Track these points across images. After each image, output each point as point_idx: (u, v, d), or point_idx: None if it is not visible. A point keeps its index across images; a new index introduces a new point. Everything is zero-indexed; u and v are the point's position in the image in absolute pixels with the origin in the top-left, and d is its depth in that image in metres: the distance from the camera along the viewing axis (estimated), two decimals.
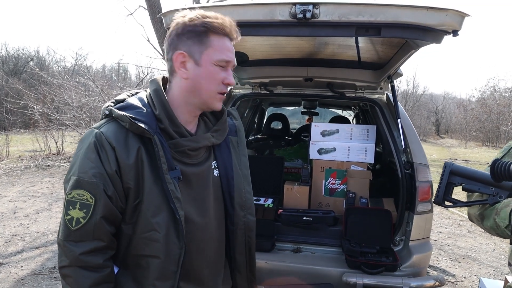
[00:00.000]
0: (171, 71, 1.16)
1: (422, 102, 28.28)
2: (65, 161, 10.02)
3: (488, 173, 1.27)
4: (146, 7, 7.40)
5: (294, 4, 1.78)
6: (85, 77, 10.54)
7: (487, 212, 1.40)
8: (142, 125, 1.06)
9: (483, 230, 1.44)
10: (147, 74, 11.03)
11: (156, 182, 1.08)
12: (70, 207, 1.04)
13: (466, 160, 13.37)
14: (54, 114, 10.67)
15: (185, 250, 1.11)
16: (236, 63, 1.18)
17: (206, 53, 1.11)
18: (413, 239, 2.58)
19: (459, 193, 1.35)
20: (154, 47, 11.02)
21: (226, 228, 1.31)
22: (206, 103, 1.16)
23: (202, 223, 1.19)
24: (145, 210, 1.08)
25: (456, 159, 13.60)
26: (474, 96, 24.87)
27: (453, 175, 1.32)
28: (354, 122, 5.21)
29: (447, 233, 5.53)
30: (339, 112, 5.88)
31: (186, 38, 1.11)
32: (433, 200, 1.51)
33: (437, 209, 6.91)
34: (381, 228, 2.70)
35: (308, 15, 1.77)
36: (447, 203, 1.35)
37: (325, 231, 2.79)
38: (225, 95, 1.18)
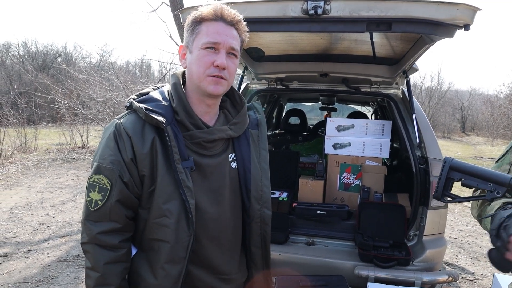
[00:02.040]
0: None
1: (447, 98, 27.53)
2: (89, 154, 10.34)
3: (487, 169, 1.29)
4: (169, 4, 7.53)
5: (306, 0, 1.82)
6: (110, 72, 10.82)
7: (483, 213, 1.41)
8: (156, 117, 1.11)
9: None
10: (169, 70, 11.20)
11: (168, 171, 1.13)
12: (91, 189, 1.13)
13: (492, 158, 12.99)
14: (80, 109, 11.00)
15: (195, 237, 1.16)
16: (232, 45, 1.16)
17: (196, 39, 1.16)
18: (427, 234, 2.58)
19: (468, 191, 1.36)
20: (176, 43, 11.21)
21: (243, 220, 1.35)
22: (199, 87, 1.18)
23: (215, 213, 1.23)
24: (157, 196, 1.13)
25: (481, 157, 13.24)
26: (502, 92, 23.97)
27: (453, 170, 1.33)
28: (373, 117, 5.18)
29: (468, 231, 5.44)
30: (358, 108, 5.86)
31: (185, 32, 1.20)
32: (432, 195, 1.52)
33: (458, 207, 6.78)
34: (395, 223, 2.71)
35: (319, 11, 1.81)
36: (446, 198, 1.37)
37: (339, 225, 2.82)
38: (222, 79, 1.17)
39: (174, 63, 10.66)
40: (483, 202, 1.45)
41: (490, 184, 1.25)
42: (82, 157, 9.98)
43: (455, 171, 1.33)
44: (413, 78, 25.65)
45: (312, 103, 6.32)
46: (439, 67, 37.23)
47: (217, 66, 1.15)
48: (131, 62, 26.72)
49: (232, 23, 1.18)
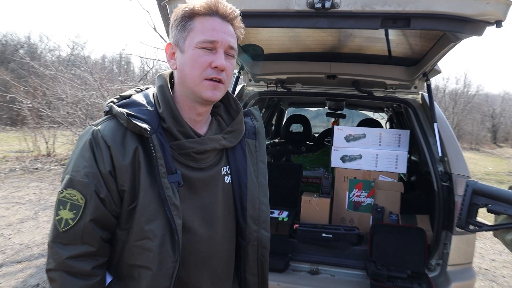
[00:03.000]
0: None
1: (475, 103, 27.73)
2: (56, 163, 10.29)
3: None
4: None
5: None
6: (82, 68, 10.80)
7: None
8: (140, 124, 1.13)
9: None
10: (153, 67, 11.24)
11: (152, 186, 1.14)
12: (61, 207, 1.13)
13: None
14: (46, 110, 10.92)
15: (181, 263, 1.17)
16: (230, 44, 1.20)
17: (188, 37, 1.18)
18: (452, 263, 2.58)
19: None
20: (161, 36, 11.26)
21: (237, 243, 1.37)
22: (194, 92, 1.20)
23: (206, 234, 1.24)
24: (139, 215, 1.14)
25: None
26: None
27: (477, 195, 1.35)
28: (387, 126, 5.23)
29: (502, 261, 5.40)
30: (370, 114, 5.92)
31: (174, 28, 1.21)
32: (455, 224, 1.54)
33: (489, 232, 6.77)
34: (414, 250, 2.73)
35: (328, 4, 1.84)
36: (471, 226, 1.38)
37: (348, 251, 2.84)
38: (220, 82, 1.20)
39: (159, 60, 10.73)
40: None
41: None
42: (46, 167, 9.93)
43: (480, 195, 1.34)
44: (435, 80, 25.84)
45: (317, 108, 6.37)
46: (465, 67, 37.53)
47: (216, 67, 1.17)
48: (108, 57, 26.80)
49: (228, 19, 1.20)
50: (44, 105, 11.15)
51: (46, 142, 11.24)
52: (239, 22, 1.24)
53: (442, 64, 2.57)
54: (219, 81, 1.20)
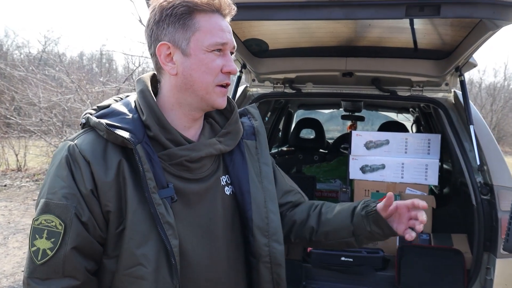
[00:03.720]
0: (158, 68, 1.26)
1: None
2: (28, 179, 10.32)
3: None
4: None
5: None
6: (57, 68, 10.83)
7: None
8: (122, 133, 1.14)
9: None
10: (139, 65, 11.29)
11: (141, 204, 1.15)
12: (37, 236, 1.12)
13: None
14: (15, 117, 10.97)
15: None
16: (234, 43, 1.25)
17: (193, 38, 1.19)
18: None
19: None
20: None
21: (246, 262, 1.37)
22: (205, 100, 1.23)
23: (206, 255, 1.25)
24: (128, 239, 1.14)
25: None
26: None
27: None
28: (413, 129, 5.23)
29: None
30: (393, 116, 5.92)
31: (167, 25, 1.20)
32: (502, 247, 1.54)
33: None
34: (450, 275, 2.72)
35: None
36: None
37: (371, 277, 2.84)
38: (227, 87, 1.25)
39: (146, 57, 10.75)
40: None
41: None
42: (17, 183, 9.96)
43: None
44: (469, 73, 25.86)
45: (331, 110, 6.39)
46: (505, 57, 37.55)
47: (229, 72, 1.22)
48: (86, 54, 26.96)
49: (228, 15, 1.25)
50: (13, 111, 11.18)
51: (16, 155, 11.27)
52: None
53: (477, 55, 2.57)
54: (227, 85, 1.25)
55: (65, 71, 10.41)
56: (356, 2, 1.89)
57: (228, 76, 1.23)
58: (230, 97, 2.95)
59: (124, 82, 10.82)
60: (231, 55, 1.26)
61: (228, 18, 1.26)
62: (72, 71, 10.70)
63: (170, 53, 1.22)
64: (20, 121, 10.87)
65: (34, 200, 8.40)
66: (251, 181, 1.35)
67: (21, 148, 11.28)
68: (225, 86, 1.25)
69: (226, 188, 1.33)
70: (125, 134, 1.14)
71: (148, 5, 1.29)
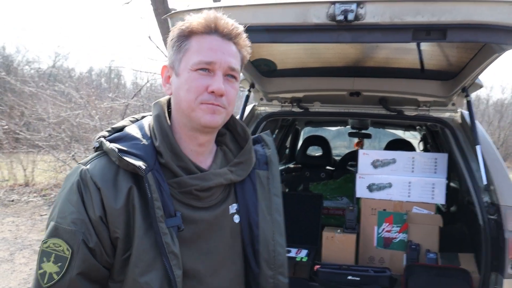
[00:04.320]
0: None
1: None
2: (35, 194, 10.32)
3: None
4: None
5: (333, 2, 1.91)
6: (66, 84, 10.92)
7: None
8: (133, 161, 1.14)
9: None
10: (148, 81, 11.37)
11: (148, 232, 1.16)
12: (44, 259, 1.14)
13: None
14: (24, 132, 10.98)
15: None
16: (231, 65, 1.21)
17: (184, 59, 1.21)
18: None
19: None
20: (157, 46, 11.45)
21: None
22: (191, 118, 1.21)
23: (212, 283, 1.26)
24: (133, 266, 1.15)
25: None
26: None
27: None
28: (420, 147, 5.24)
29: None
30: (400, 133, 5.94)
31: (170, 49, 1.25)
32: (510, 268, 1.55)
33: None
34: None
35: (351, 16, 1.89)
36: None
37: None
38: (219, 107, 1.21)
39: (154, 73, 10.84)
40: None
41: None
42: (24, 199, 9.97)
43: None
44: (479, 90, 25.79)
45: (338, 127, 6.41)
46: None
47: (213, 92, 1.18)
48: (95, 69, 27.16)
49: (230, 37, 1.22)
50: (22, 126, 11.19)
51: (24, 170, 11.26)
52: (243, 40, 1.26)
53: (484, 72, 2.60)
54: (218, 105, 1.21)
55: (75, 86, 10.51)
56: (364, 26, 1.92)
57: (213, 96, 1.18)
58: (238, 116, 3.01)
59: (132, 98, 10.89)
60: (232, 77, 1.24)
61: (233, 40, 1.23)
62: (81, 87, 10.76)
63: (170, 75, 1.26)
64: (29, 136, 10.86)
65: (41, 215, 8.43)
66: (260, 213, 1.35)
67: (29, 163, 11.26)
68: (212, 104, 1.20)
69: (235, 216, 1.34)
70: (137, 162, 1.15)
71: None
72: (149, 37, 9.23)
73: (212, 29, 1.20)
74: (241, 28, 1.25)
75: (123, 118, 9.53)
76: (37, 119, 10.95)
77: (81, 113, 10.12)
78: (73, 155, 9.80)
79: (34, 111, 10.82)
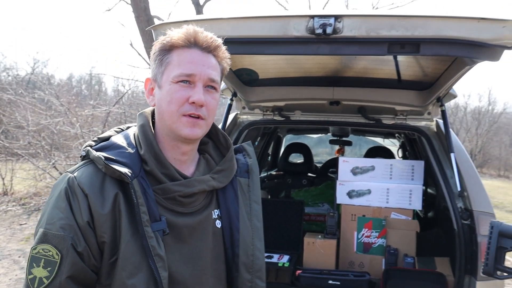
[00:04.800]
0: None
1: (503, 123, 28.09)
2: (14, 203, 10.18)
3: None
4: (129, 1, 7.81)
5: (312, 17, 2.00)
6: (46, 92, 10.85)
7: None
8: (119, 168, 1.20)
9: None
10: (130, 89, 11.35)
11: (134, 236, 1.21)
12: (34, 264, 1.18)
13: None
14: (2, 141, 10.89)
15: None
16: (211, 76, 1.28)
17: (166, 71, 1.28)
18: None
19: None
20: (139, 53, 11.49)
21: None
22: (172, 129, 1.28)
23: (195, 285, 1.31)
24: (120, 269, 1.20)
25: None
26: None
27: (504, 237, 1.45)
28: (399, 154, 5.37)
29: None
30: (380, 140, 6.06)
31: (153, 62, 1.32)
32: (481, 271, 1.64)
33: None
34: None
35: (329, 30, 1.98)
36: (499, 273, 1.48)
37: None
38: (199, 118, 1.27)
39: (136, 80, 10.83)
40: None
41: None
42: (3, 208, 9.84)
43: (507, 237, 1.44)
44: (454, 99, 26.18)
45: (320, 135, 6.52)
46: (489, 82, 38.32)
47: (193, 103, 1.24)
48: (75, 76, 26.91)
49: (209, 50, 1.29)
50: (1, 134, 11.08)
51: (3, 178, 11.10)
52: (223, 52, 1.33)
53: (462, 80, 2.71)
54: (198, 117, 1.27)
55: (55, 94, 10.43)
56: (341, 39, 2.01)
57: (194, 106, 1.25)
58: (221, 124, 3.07)
59: (114, 106, 10.86)
60: (212, 88, 1.30)
61: (213, 52, 1.30)
62: (62, 94, 10.70)
63: (153, 87, 1.33)
64: (7, 144, 10.78)
65: (20, 225, 8.34)
66: (240, 219, 1.41)
67: (8, 171, 11.11)
68: (193, 116, 1.26)
69: (217, 221, 1.39)
70: (122, 169, 1.20)
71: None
72: (131, 44, 9.19)
73: (192, 43, 1.27)
74: (219, 41, 1.32)
75: (104, 126, 9.48)
76: (16, 127, 10.87)
77: (62, 120, 10.07)
78: (53, 163, 9.72)
79: (12, 119, 10.73)
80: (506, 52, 2.06)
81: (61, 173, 9.95)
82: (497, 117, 27.19)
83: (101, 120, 10.35)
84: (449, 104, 24.45)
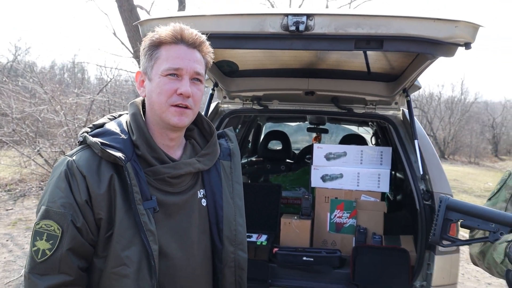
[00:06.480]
0: None
1: (474, 112, 28.64)
2: (0, 189, 10.22)
3: (489, 208, 1.61)
4: None
5: (286, 15, 2.17)
6: (30, 80, 10.80)
7: (486, 248, 1.76)
8: (114, 152, 1.31)
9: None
10: (113, 78, 11.32)
11: (128, 213, 1.33)
12: (37, 237, 1.30)
13: None
14: None
15: None
16: (196, 70, 1.40)
17: (155, 66, 1.39)
18: (436, 285, 2.87)
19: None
20: (122, 42, 11.43)
21: (213, 265, 1.56)
22: (161, 118, 1.40)
23: (183, 258, 1.46)
24: (115, 242, 1.32)
25: None
26: None
27: (450, 210, 1.63)
28: (373, 141, 5.60)
29: (499, 284, 5.56)
30: (355, 129, 6.25)
31: (143, 56, 1.45)
32: (429, 240, 1.80)
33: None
34: (397, 271, 3.04)
35: (302, 27, 2.15)
36: (444, 242, 1.67)
37: (330, 274, 3.12)
38: (187, 108, 1.39)
39: (120, 69, 10.80)
40: (484, 243, 1.79)
41: (492, 225, 1.57)
42: None
43: (453, 211, 1.63)
44: (429, 88, 26.55)
45: (298, 123, 6.69)
46: (462, 73, 39.05)
47: (181, 94, 1.37)
48: (58, 63, 26.52)
49: (195, 45, 1.42)
50: None
51: None
52: (207, 47, 1.46)
53: (436, 69, 2.89)
54: (186, 107, 1.39)
55: (39, 82, 10.37)
56: (313, 35, 2.19)
57: (182, 97, 1.37)
58: (203, 112, 3.23)
59: (98, 94, 10.84)
60: (198, 80, 1.42)
61: (198, 48, 1.42)
62: (45, 82, 10.61)
63: (143, 80, 1.45)
64: None
65: (6, 210, 8.36)
66: (224, 198, 1.54)
67: None
68: (181, 106, 1.38)
69: (203, 200, 1.52)
70: (117, 154, 1.32)
71: (143, 36, 1.51)
72: (114, 33, 9.20)
73: (179, 39, 1.39)
74: (204, 37, 1.44)
75: (88, 114, 9.46)
76: None
77: (46, 108, 10.02)
78: (38, 150, 9.73)
79: None
80: (480, 38, 2.26)
81: (46, 160, 10.01)
82: (469, 107, 27.75)
83: (85, 108, 10.35)
84: (424, 94, 24.92)
